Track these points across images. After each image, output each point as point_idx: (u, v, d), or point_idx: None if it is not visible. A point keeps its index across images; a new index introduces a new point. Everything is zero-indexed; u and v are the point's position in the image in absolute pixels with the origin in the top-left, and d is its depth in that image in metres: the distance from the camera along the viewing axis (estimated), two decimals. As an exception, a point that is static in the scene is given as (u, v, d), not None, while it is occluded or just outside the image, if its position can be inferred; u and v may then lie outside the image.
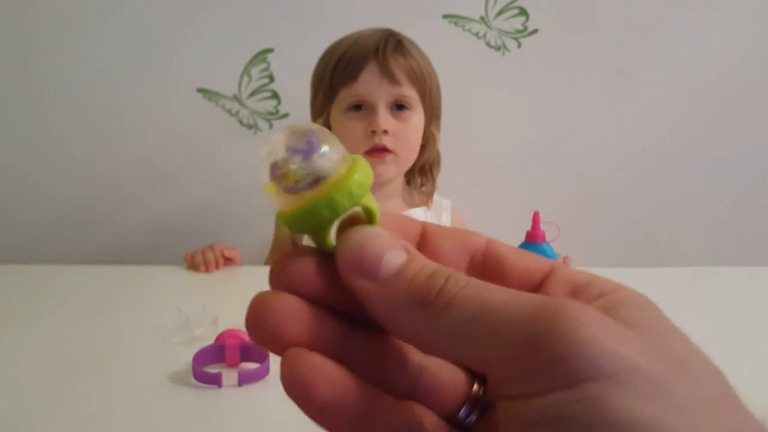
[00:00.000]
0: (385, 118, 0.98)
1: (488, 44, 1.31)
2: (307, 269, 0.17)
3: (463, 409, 0.18)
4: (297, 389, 0.16)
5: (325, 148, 0.17)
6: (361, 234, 0.17)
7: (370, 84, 0.98)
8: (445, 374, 0.18)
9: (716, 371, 0.15)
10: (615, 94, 1.33)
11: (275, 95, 1.33)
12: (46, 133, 1.34)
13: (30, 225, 1.37)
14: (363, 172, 0.18)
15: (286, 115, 1.33)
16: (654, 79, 1.32)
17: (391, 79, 0.98)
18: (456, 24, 1.31)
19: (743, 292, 0.80)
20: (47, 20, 1.30)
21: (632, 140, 1.34)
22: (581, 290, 0.17)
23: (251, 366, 0.51)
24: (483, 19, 1.31)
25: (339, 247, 0.17)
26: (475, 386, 0.18)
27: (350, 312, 0.17)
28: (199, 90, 1.31)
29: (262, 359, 0.51)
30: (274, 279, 0.18)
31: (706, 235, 1.36)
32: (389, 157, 1.00)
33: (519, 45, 1.31)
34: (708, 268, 1.06)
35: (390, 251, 0.17)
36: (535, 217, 0.75)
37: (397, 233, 0.18)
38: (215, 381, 0.49)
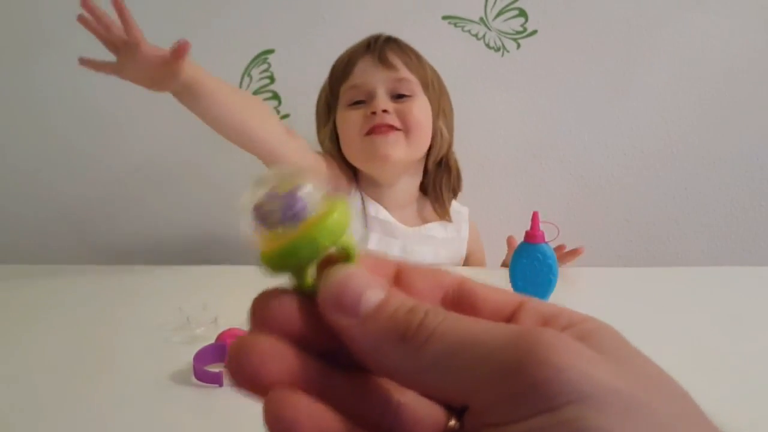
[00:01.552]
0: (384, 100, 0.94)
1: (487, 45, 1.32)
2: (287, 309, 0.17)
3: None
4: (281, 430, 0.16)
5: (305, 190, 0.18)
6: (341, 273, 0.17)
7: (365, 72, 0.96)
8: (422, 410, 0.18)
9: (684, 392, 0.15)
10: (614, 95, 1.33)
11: (276, 96, 1.33)
12: (48, 134, 1.35)
13: (31, 225, 1.37)
14: (342, 212, 0.18)
15: (286, 116, 1.33)
16: (653, 80, 1.32)
17: (387, 64, 0.96)
18: (455, 25, 1.31)
19: (743, 292, 0.80)
20: (50, 21, 1.31)
21: (631, 140, 1.35)
22: (551, 321, 0.18)
23: (252, 365, 0.51)
24: (482, 20, 1.31)
25: (320, 286, 0.17)
26: (452, 421, 0.18)
27: (330, 351, 0.18)
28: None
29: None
30: (254, 319, 0.18)
31: (705, 235, 1.36)
32: (394, 134, 0.93)
33: (518, 46, 1.32)
34: (708, 268, 1.06)
35: (370, 288, 0.17)
36: (534, 217, 0.75)
37: (372, 272, 0.18)
38: (216, 380, 0.49)
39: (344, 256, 0.18)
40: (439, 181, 1.05)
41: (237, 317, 0.60)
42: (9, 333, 0.62)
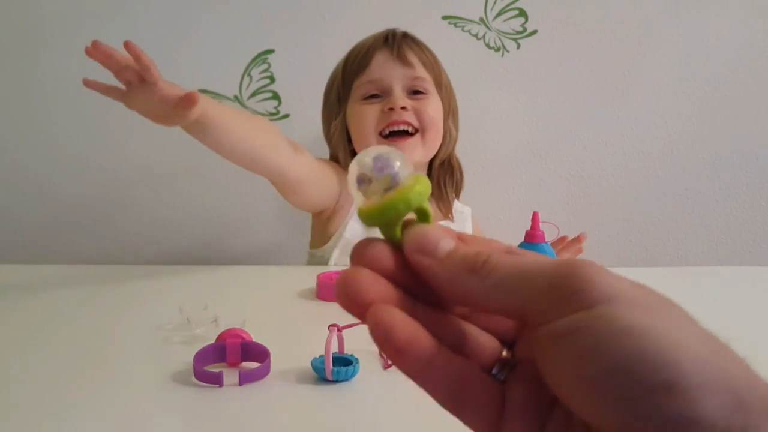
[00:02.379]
0: (402, 97, 0.94)
1: (487, 45, 1.32)
2: (381, 251, 0.23)
3: (495, 368, 0.23)
4: (381, 333, 0.21)
5: (397, 164, 0.24)
6: (422, 226, 0.23)
7: (382, 67, 0.96)
8: (483, 340, 0.23)
9: (692, 316, 0.20)
10: (614, 95, 1.33)
11: (276, 96, 1.33)
12: (48, 133, 1.35)
13: (31, 225, 1.37)
14: (425, 183, 0.24)
15: (286, 116, 1.33)
16: (653, 80, 1.33)
17: (404, 61, 0.96)
18: (455, 25, 1.31)
19: (743, 292, 0.80)
20: (51, 21, 1.31)
21: (631, 140, 1.35)
22: None
23: (252, 365, 0.51)
24: (482, 20, 1.31)
25: (406, 236, 0.23)
26: (505, 352, 0.23)
27: (411, 289, 0.23)
28: (201, 91, 1.30)
29: (263, 359, 0.51)
30: (355, 258, 0.23)
31: (705, 235, 1.36)
32: (411, 139, 0.95)
33: (518, 46, 1.32)
34: (708, 268, 1.06)
35: (443, 238, 0.23)
36: (534, 217, 0.75)
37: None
38: (216, 380, 0.49)
39: (422, 218, 0.24)
40: (443, 179, 1.06)
41: (237, 317, 0.60)
42: (9, 333, 0.62)
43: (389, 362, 0.50)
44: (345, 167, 1.02)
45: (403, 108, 0.93)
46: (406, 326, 0.21)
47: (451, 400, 0.22)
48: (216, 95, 1.32)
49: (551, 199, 1.35)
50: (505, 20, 1.31)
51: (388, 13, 1.26)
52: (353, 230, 0.99)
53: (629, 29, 1.31)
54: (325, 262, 1.00)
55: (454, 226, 1.07)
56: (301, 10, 1.30)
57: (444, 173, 1.06)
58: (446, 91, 1.02)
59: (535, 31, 1.31)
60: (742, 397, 0.17)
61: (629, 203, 1.36)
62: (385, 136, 0.95)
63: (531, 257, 0.22)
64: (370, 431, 0.43)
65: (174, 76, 1.38)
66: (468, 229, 1.09)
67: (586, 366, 0.18)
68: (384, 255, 0.23)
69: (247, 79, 1.32)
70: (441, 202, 1.06)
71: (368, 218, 0.24)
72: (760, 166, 1.34)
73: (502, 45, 1.32)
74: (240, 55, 1.31)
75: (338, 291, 0.22)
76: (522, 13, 1.31)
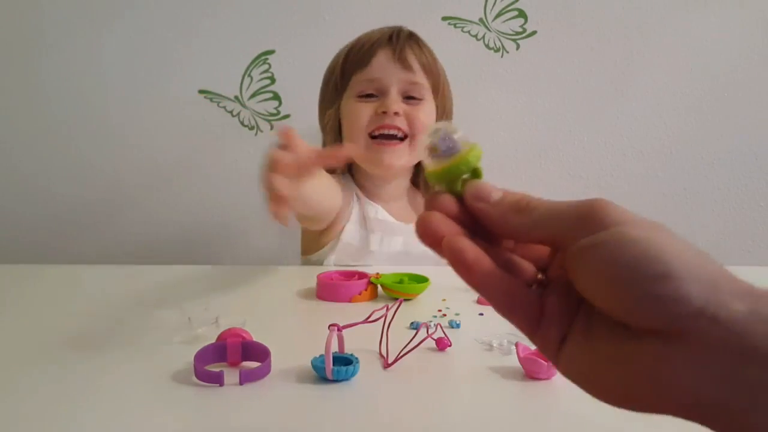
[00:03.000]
0: (396, 101, 0.95)
1: (487, 46, 1.32)
2: (447, 200, 0.30)
3: (533, 286, 0.30)
4: (455, 255, 0.28)
5: (457, 135, 0.31)
6: (478, 181, 0.31)
7: (382, 67, 0.96)
8: (523, 265, 0.30)
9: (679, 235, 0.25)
10: (613, 95, 1.33)
11: (276, 96, 1.33)
12: (49, 134, 1.35)
13: (31, 225, 1.37)
14: (479, 148, 0.31)
15: (287, 116, 1.33)
16: (652, 80, 1.33)
17: (405, 64, 0.96)
18: (455, 26, 1.31)
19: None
20: (53, 23, 1.31)
21: (630, 141, 1.35)
22: None
23: (253, 365, 0.51)
24: (482, 21, 1.31)
25: (467, 188, 0.30)
26: (540, 275, 0.30)
27: (470, 229, 0.30)
28: (201, 91, 1.32)
29: (264, 358, 0.51)
30: (428, 206, 0.30)
31: (704, 235, 1.37)
32: (400, 145, 0.95)
33: (518, 47, 1.32)
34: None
35: (495, 189, 0.30)
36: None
37: None
38: (217, 380, 0.49)
39: (475, 175, 0.31)
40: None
41: (238, 317, 0.61)
42: (8, 333, 0.63)
43: (389, 362, 0.51)
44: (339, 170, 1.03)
45: (396, 113, 0.94)
46: (473, 250, 0.28)
47: (505, 307, 0.29)
48: (216, 95, 1.32)
49: (551, 199, 1.35)
50: (504, 21, 1.31)
51: (388, 14, 1.27)
52: (350, 232, 0.99)
53: (628, 30, 1.31)
54: (321, 265, 1.00)
55: None
56: (301, 10, 1.30)
57: None
58: (442, 97, 1.02)
59: (534, 32, 1.31)
60: (716, 282, 0.23)
61: (628, 203, 1.32)
62: (374, 137, 0.96)
63: (559, 201, 0.29)
64: (370, 431, 0.43)
65: (175, 76, 1.38)
66: None
67: (605, 266, 0.24)
68: (450, 203, 0.30)
69: (247, 80, 1.32)
70: (423, 195, 1.07)
71: (437, 178, 0.31)
72: (758, 166, 1.35)
73: (502, 46, 1.32)
74: (240, 56, 1.32)
75: (418, 229, 0.30)
76: (521, 14, 1.31)
